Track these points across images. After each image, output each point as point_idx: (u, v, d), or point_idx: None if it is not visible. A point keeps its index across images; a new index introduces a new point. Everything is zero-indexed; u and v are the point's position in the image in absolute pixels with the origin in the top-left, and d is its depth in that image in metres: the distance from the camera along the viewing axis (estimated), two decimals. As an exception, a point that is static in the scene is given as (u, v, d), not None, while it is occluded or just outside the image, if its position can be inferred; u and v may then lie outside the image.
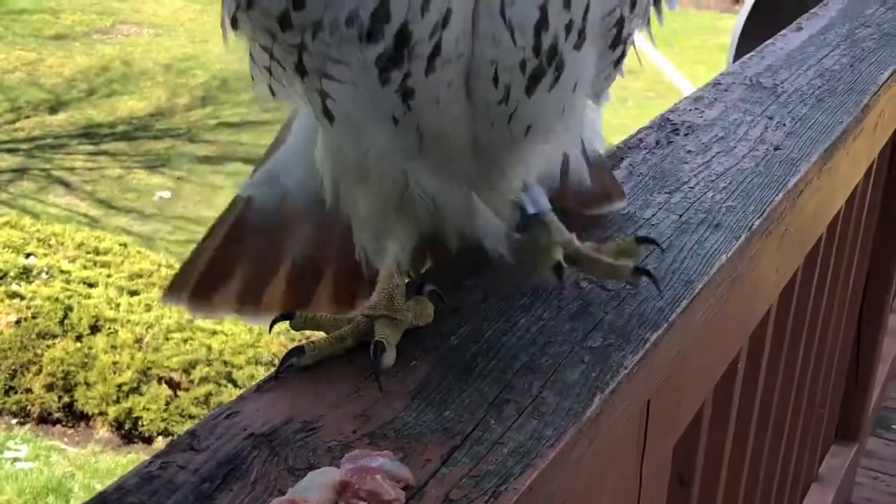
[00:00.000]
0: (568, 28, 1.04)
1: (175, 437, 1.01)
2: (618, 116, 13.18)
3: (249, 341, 7.68)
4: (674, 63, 16.63)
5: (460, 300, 1.20)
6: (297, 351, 1.07)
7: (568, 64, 1.07)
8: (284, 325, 1.19)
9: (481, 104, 1.08)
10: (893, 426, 3.78)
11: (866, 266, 2.96)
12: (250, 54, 1.15)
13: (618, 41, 1.13)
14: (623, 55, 1.17)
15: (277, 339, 7.97)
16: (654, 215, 1.45)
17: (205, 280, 1.38)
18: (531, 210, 1.24)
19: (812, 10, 2.57)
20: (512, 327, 1.15)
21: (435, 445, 0.94)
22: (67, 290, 8.04)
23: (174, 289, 1.40)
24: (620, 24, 1.11)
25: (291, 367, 1.06)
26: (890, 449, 3.66)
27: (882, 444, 3.66)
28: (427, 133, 1.09)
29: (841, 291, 2.63)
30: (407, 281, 1.19)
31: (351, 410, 0.99)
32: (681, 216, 1.45)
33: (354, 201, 1.20)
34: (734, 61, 2.52)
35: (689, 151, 1.67)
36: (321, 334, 1.13)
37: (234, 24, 1.11)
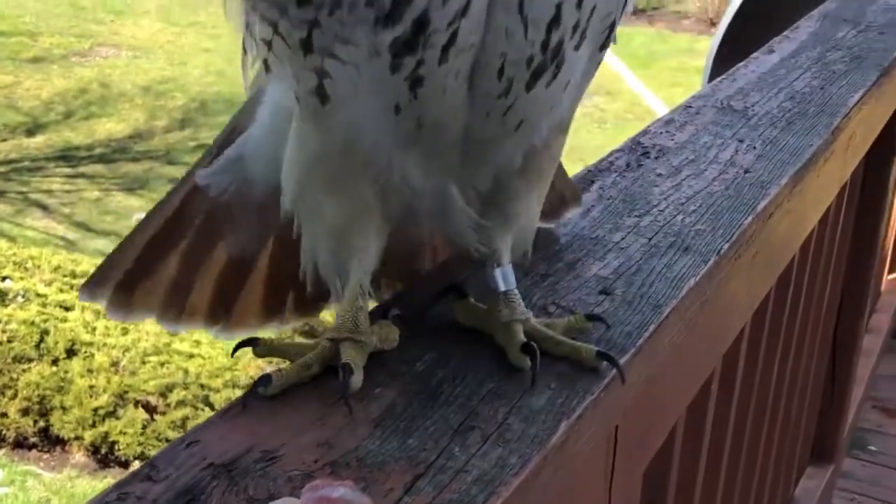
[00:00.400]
0: (575, 27, 1.06)
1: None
2: (595, 138, 13.23)
3: (227, 364, 7.64)
4: (651, 86, 16.72)
5: (426, 325, 1.19)
6: (263, 380, 1.05)
7: (566, 62, 1.08)
8: None
9: (481, 96, 1.08)
10: (869, 447, 3.79)
11: (840, 286, 2.97)
12: (246, 25, 1.13)
13: (605, 44, 1.16)
14: (601, 61, 1.18)
15: (255, 363, 7.93)
16: (623, 239, 1.44)
17: (129, 277, 1.29)
18: (502, 287, 1.23)
19: (783, 34, 2.58)
20: (477, 353, 1.14)
21: (398, 474, 0.93)
22: (44, 313, 7.99)
23: (93, 283, 1.30)
24: (612, 26, 1.13)
25: (257, 396, 1.04)
26: (866, 470, 3.66)
27: (858, 466, 3.67)
28: (425, 123, 1.09)
29: (815, 312, 2.63)
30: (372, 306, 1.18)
31: (314, 438, 0.97)
32: (650, 239, 1.45)
33: (319, 211, 1.16)
34: (709, 83, 2.52)
35: (660, 174, 1.67)
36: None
37: None
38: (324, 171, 1.14)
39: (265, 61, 1.12)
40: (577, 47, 1.08)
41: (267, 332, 1.28)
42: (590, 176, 1.66)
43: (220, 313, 1.31)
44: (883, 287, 4.37)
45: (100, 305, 1.29)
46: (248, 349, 1.15)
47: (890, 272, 4.46)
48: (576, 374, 1.12)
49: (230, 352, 1.18)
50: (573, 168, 1.71)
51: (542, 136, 1.18)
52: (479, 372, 1.10)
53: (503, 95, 1.08)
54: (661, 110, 14.65)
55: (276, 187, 1.21)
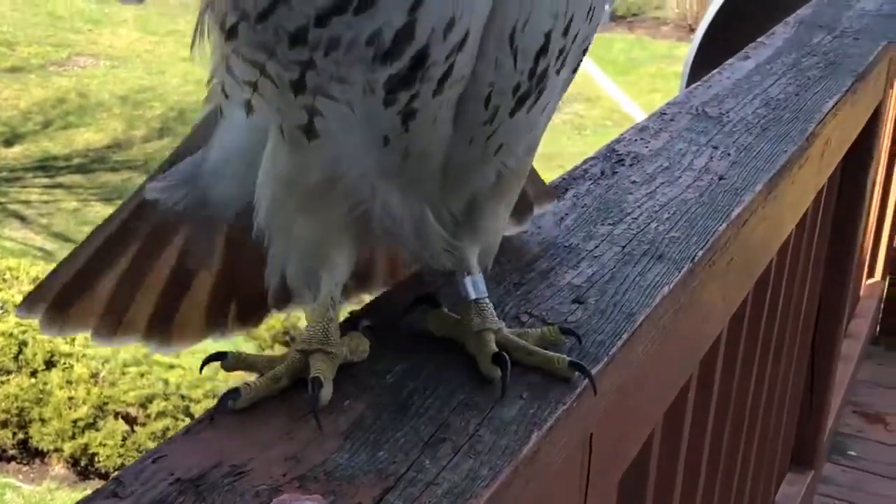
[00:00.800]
0: (560, 52, 1.07)
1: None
2: (575, 145, 13.25)
3: (207, 375, 7.60)
4: (630, 92, 16.76)
5: (397, 336, 1.18)
6: (232, 393, 1.04)
7: (548, 87, 1.09)
8: None
9: (467, 124, 1.08)
10: (849, 452, 3.79)
11: (819, 291, 2.97)
12: (226, 68, 1.11)
13: (578, 66, 1.16)
14: (573, 79, 1.19)
15: (237, 373, 7.89)
16: (596, 247, 1.44)
17: (66, 292, 1.26)
18: (472, 296, 1.22)
19: (759, 40, 2.58)
20: (450, 364, 1.13)
21: (367, 487, 0.92)
22: (22, 325, 7.93)
23: (31, 299, 1.27)
24: (586, 49, 1.14)
25: (226, 410, 1.03)
26: (846, 475, 3.66)
27: (839, 471, 3.67)
28: (412, 154, 1.08)
29: (793, 317, 2.63)
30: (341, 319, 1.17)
31: (282, 452, 0.96)
32: (624, 248, 1.44)
33: (292, 229, 1.15)
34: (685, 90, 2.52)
35: (634, 182, 1.67)
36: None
37: (232, 33, 1.05)
38: (300, 195, 1.13)
39: (248, 102, 1.10)
40: (558, 71, 1.09)
41: (223, 344, 1.26)
42: (564, 184, 1.65)
43: (159, 328, 1.29)
44: (862, 292, 4.38)
45: (34, 320, 1.26)
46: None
47: (868, 277, 4.48)
48: (548, 385, 1.11)
49: (199, 367, 1.17)
50: (552, 175, 1.71)
51: (517, 158, 1.18)
52: (451, 383, 1.09)
53: (488, 122, 1.08)
54: (640, 116, 14.69)
55: (233, 204, 1.21)
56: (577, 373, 1.13)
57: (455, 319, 1.21)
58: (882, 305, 4.61)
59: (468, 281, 1.21)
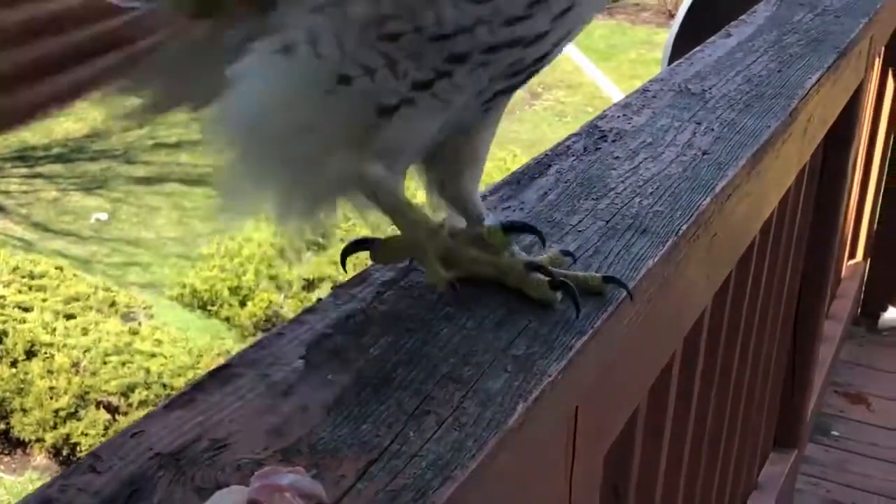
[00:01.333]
0: None
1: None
2: (556, 131, 13.24)
3: (189, 363, 7.58)
4: (611, 77, 16.76)
5: (382, 310, 1.17)
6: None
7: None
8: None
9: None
10: (832, 432, 3.81)
11: (801, 271, 2.97)
12: (338, 43, 1.02)
13: None
14: None
15: (218, 361, 7.86)
16: (580, 221, 1.42)
17: None
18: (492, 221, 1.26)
19: (741, 17, 2.57)
20: (434, 337, 1.12)
21: (351, 460, 0.91)
22: (2, 315, 7.90)
23: None
24: None
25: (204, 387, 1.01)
26: (829, 455, 3.67)
27: (821, 451, 3.68)
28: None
29: (776, 296, 2.63)
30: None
31: (264, 426, 0.95)
32: (608, 222, 1.43)
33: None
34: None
35: (617, 157, 1.65)
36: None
37: (392, 38, 1.01)
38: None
39: (344, 76, 1.03)
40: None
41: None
42: (547, 160, 1.64)
43: None
44: (843, 273, 4.39)
45: None
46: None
47: (850, 258, 4.49)
48: (533, 358, 1.09)
49: (339, 257, 1.21)
50: (534, 160, 1.70)
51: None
52: (434, 356, 1.08)
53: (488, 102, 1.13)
54: (622, 102, 14.68)
55: None
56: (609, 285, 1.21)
57: (477, 255, 1.22)
58: (863, 286, 4.62)
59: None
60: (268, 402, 0.98)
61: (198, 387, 1.00)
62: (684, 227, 1.44)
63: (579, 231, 1.40)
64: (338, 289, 1.21)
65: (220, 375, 1.02)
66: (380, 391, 1.01)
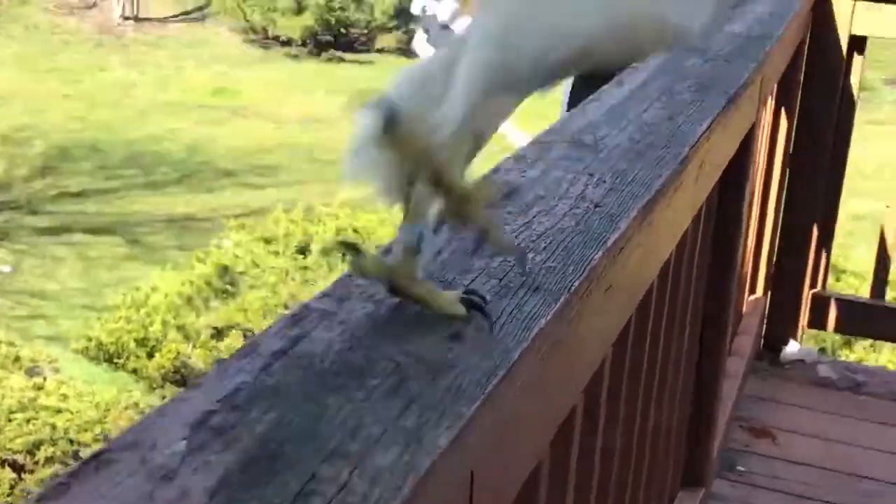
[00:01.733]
0: None
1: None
2: (465, 170, 13.28)
3: (96, 418, 7.42)
4: (515, 120, 16.89)
5: (273, 382, 1.14)
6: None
7: None
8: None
9: None
10: (738, 467, 3.85)
11: (701, 310, 3.01)
12: None
13: None
14: None
15: (126, 415, 7.70)
16: (473, 281, 1.42)
17: None
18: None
19: (632, 65, 2.61)
20: (323, 410, 1.10)
21: (234, 548, 0.88)
22: None
23: None
24: None
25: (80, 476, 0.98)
26: (736, 490, 3.71)
27: (728, 486, 3.72)
28: None
29: (677, 337, 2.66)
30: None
31: (143, 515, 0.92)
32: (501, 280, 1.42)
33: None
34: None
35: (510, 213, 1.65)
36: None
37: None
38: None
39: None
40: None
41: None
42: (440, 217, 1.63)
43: None
44: (745, 308, 4.46)
45: None
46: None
47: (751, 292, 4.56)
48: (425, 428, 1.08)
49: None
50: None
51: None
52: (322, 431, 1.06)
53: None
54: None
55: None
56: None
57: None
58: (765, 321, 4.70)
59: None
60: (147, 489, 0.95)
61: (73, 475, 0.96)
62: (577, 283, 1.44)
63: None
64: (223, 361, 1.18)
65: (97, 461, 0.98)
66: (266, 471, 0.99)
